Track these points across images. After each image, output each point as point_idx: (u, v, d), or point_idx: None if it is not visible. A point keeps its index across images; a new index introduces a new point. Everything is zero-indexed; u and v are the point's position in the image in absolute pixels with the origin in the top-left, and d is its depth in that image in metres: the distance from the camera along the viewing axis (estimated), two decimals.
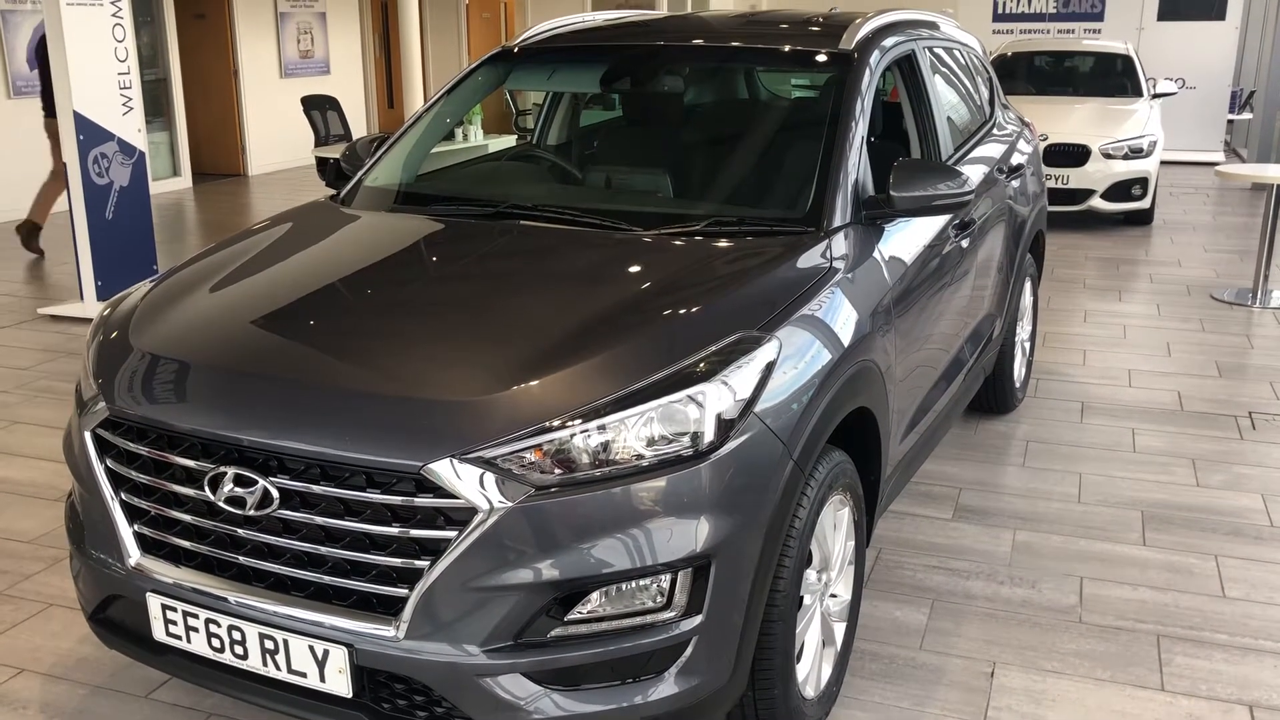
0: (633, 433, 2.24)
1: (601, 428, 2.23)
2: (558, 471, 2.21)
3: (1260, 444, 4.83)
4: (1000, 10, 15.25)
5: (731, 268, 2.81)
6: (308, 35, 14.14)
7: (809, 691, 2.76)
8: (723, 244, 2.94)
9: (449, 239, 3.15)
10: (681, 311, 2.56)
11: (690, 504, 2.26)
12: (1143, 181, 9.51)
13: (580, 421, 2.22)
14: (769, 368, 2.43)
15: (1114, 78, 11.03)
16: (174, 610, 2.42)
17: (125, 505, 2.51)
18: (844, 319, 2.78)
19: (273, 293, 2.83)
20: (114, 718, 2.93)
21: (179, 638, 2.44)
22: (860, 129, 3.26)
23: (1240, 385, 5.63)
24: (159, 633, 2.47)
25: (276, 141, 13.72)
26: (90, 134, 6.56)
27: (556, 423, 2.22)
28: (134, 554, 2.49)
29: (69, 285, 7.49)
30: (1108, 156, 9.42)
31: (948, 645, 3.27)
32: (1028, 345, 5.36)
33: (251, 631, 2.34)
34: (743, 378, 2.37)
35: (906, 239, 3.35)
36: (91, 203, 6.62)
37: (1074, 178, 9.45)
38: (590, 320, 2.52)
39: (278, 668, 2.34)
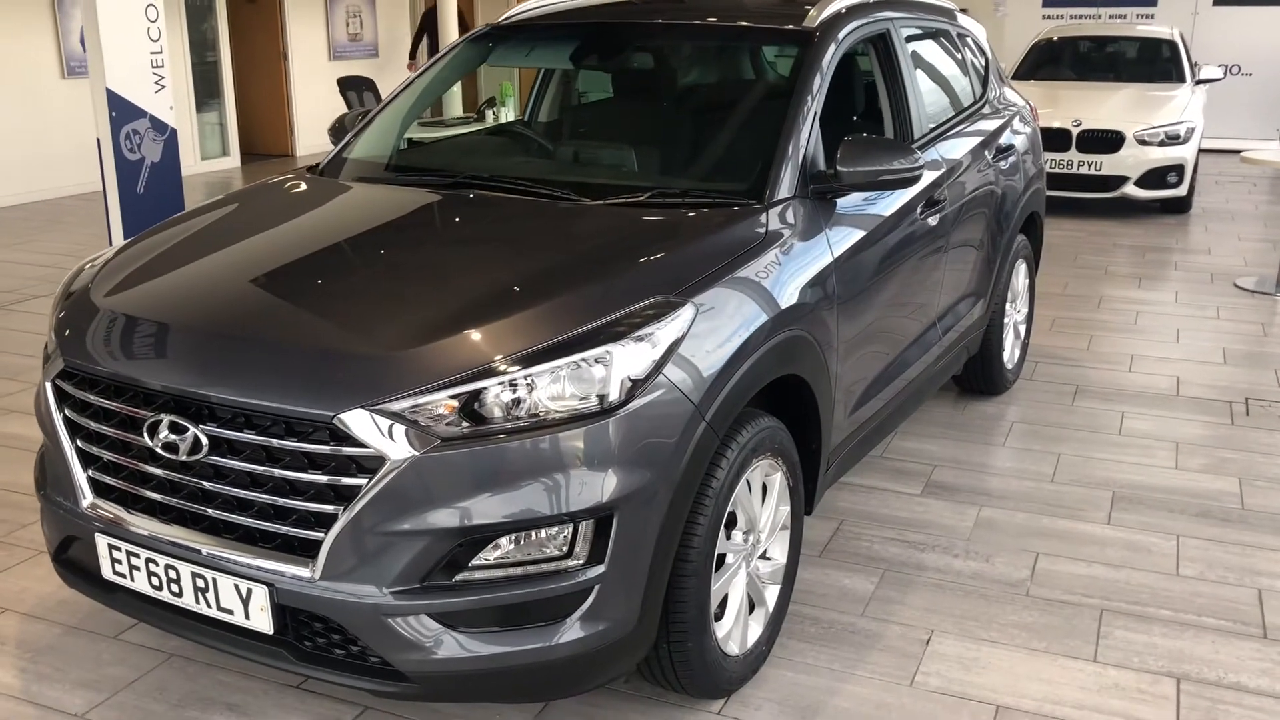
0: (539, 389, 2.35)
1: (508, 384, 2.34)
2: (465, 424, 2.32)
3: (1250, 429, 4.81)
4: None
5: (663, 235, 2.90)
6: (356, 19, 14.38)
7: (732, 648, 2.84)
8: (661, 213, 3.03)
9: (400, 207, 3.28)
10: (602, 275, 2.66)
11: (593, 458, 2.36)
12: (1178, 169, 9.37)
13: (488, 377, 2.33)
14: (680, 331, 2.52)
15: (1158, 64, 10.85)
16: (119, 550, 2.59)
17: (80, 452, 2.68)
18: (773, 288, 2.86)
19: (216, 254, 2.99)
20: (83, 655, 3.11)
21: (124, 576, 2.61)
22: (814, 105, 3.32)
23: (1244, 372, 5.58)
24: (107, 571, 2.64)
25: (324, 122, 13.93)
26: (122, 110, 6.81)
27: (464, 376, 2.33)
28: (87, 497, 2.65)
29: None
30: (1142, 143, 9.29)
31: (889, 613, 3.34)
32: (1023, 328, 5.36)
33: (185, 570, 2.49)
34: (652, 340, 2.46)
35: (860, 214, 3.41)
36: (123, 177, 6.88)
37: (1107, 164, 9.34)
38: (512, 282, 2.63)
39: (208, 605, 2.49)
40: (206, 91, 12.60)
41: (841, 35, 3.60)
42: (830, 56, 3.49)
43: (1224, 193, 11.04)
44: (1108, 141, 9.33)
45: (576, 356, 2.38)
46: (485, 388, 2.33)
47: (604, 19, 3.95)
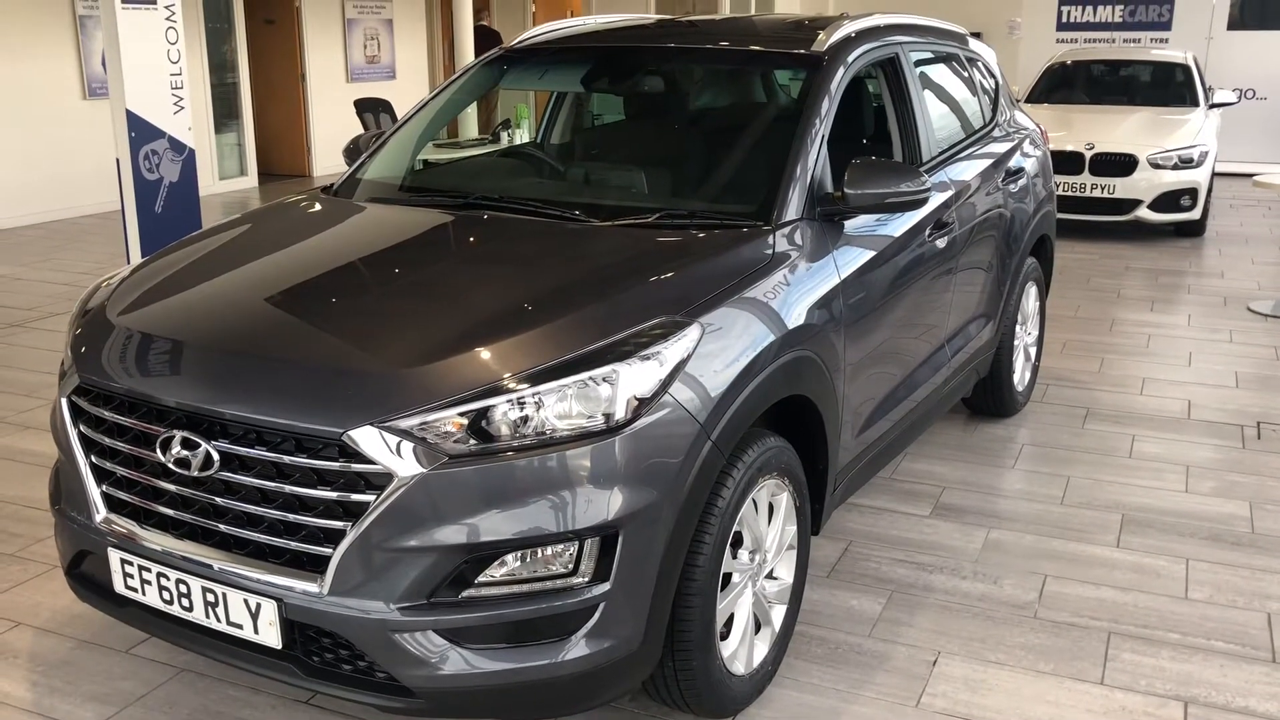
0: (546, 408, 2.37)
1: (516, 402, 2.36)
2: (472, 442, 2.35)
3: (1261, 453, 4.79)
4: (1065, 19, 15.08)
5: (670, 255, 2.93)
6: (374, 41, 14.52)
7: (738, 668, 2.85)
8: (669, 234, 3.06)
9: (412, 227, 3.32)
10: (610, 295, 2.69)
11: (599, 477, 2.38)
12: (1192, 192, 9.36)
13: (495, 395, 2.36)
14: (687, 351, 2.54)
15: (1172, 87, 10.85)
16: (131, 565, 2.62)
17: (94, 467, 2.71)
18: (779, 309, 2.88)
19: (230, 273, 3.03)
20: (95, 669, 3.14)
21: (136, 590, 2.63)
22: (822, 128, 3.35)
23: (1256, 396, 5.57)
24: (119, 585, 2.67)
25: (341, 143, 14.05)
26: (142, 131, 6.89)
27: (472, 394, 2.36)
28: (100, 511, 2.69)
29: None
30: (1156, 166, 9.29)
31: (896, 634, 3.34)
32: (1033, 350, 5.37)
33: (196, 585, 2.52)
34: (659, 359, 2.48)
35: (868, 236, 3.43)
36: (142, 197, 6.95)
37: (1120, 187, 9.34)
38: (520, 302, 2.66)
39: (218, 619, 2.51)
40: (225, 112, 12.73)
41: (851, 59, 3.63)
42: (839, 80, 3.52)
43: (1238, 216, 11.02)
44: (1121, 165, 9.33)
45: (584, 375, 2.40)
46: (493, 405, 2.35)
47: (616, 43, 3.99)
